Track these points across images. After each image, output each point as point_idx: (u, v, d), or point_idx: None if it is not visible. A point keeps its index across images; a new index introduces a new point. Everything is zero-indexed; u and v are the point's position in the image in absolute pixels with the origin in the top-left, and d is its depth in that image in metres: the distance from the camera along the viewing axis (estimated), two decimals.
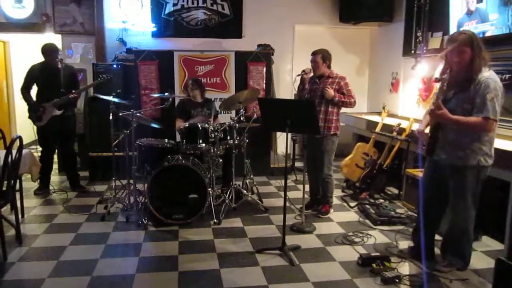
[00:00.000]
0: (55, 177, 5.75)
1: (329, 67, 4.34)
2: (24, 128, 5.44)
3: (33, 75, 4.95)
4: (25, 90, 4.98)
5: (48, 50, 4.86)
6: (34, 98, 4.99)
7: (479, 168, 2.94)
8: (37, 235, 3.86)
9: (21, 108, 7.38)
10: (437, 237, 3.38)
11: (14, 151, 3.42)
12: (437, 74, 5.27)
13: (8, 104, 7.52)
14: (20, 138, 3.49)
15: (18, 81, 7.29)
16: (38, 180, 4.94)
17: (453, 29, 4.66)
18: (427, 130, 3.20)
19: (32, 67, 5.00)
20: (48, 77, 4.89)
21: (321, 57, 4.28)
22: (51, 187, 5.22)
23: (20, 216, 3.99)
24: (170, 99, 4.51)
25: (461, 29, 4.48)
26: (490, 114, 2.76)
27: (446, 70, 3.02)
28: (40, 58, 4.94)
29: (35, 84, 5.00)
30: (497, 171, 3.28)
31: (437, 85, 3.05)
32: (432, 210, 3.25)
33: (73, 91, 4.88)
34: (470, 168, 2.94)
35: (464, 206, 3.03)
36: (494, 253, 3.42)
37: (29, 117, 5.00)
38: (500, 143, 3.54)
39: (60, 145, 5.26)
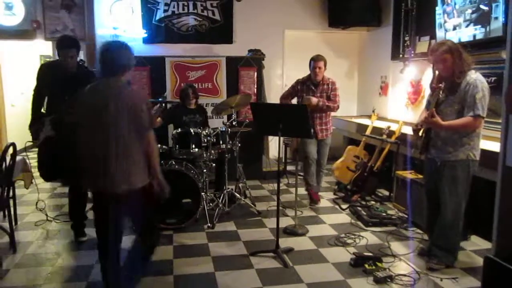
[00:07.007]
0: (51, 200, 5.14)
1: None
2: (16, 134, 5.33)
3: (40, 77, 3.81)
4: (36, 95, 3.83)
5: (59, 44, 3.67)
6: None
7: (468, 162, 3.14)
8: (31, 241, 3.86)
9: (12, 114, 7.37)
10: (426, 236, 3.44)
11: (7, 158, 3.43)
12: (425, 78, 5.42)
13: None
14: (13, 145, 3.50)
15: (8, 88, 7.31)
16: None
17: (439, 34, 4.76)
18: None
19: (40, 66, 3.98)
20: (56, 81, 3.66)
21: (324, 63, 4.62)
22: (45, 214, 4.46)
23: (13, 223, 3.98)
24: (163, 104, 4.53)
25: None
26: (480, 112, 2.99)
27: (438, 78, 3.22)
28: (34, 62, 4.79)
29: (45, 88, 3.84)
30: (484, 171, 3.37)
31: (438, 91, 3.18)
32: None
33: None
34: (461, 162, 3.14)
35: (455, 199, 3.18)
36: (483, 251, 3.48)
37: None
38: (487, 144, 3.62)
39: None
